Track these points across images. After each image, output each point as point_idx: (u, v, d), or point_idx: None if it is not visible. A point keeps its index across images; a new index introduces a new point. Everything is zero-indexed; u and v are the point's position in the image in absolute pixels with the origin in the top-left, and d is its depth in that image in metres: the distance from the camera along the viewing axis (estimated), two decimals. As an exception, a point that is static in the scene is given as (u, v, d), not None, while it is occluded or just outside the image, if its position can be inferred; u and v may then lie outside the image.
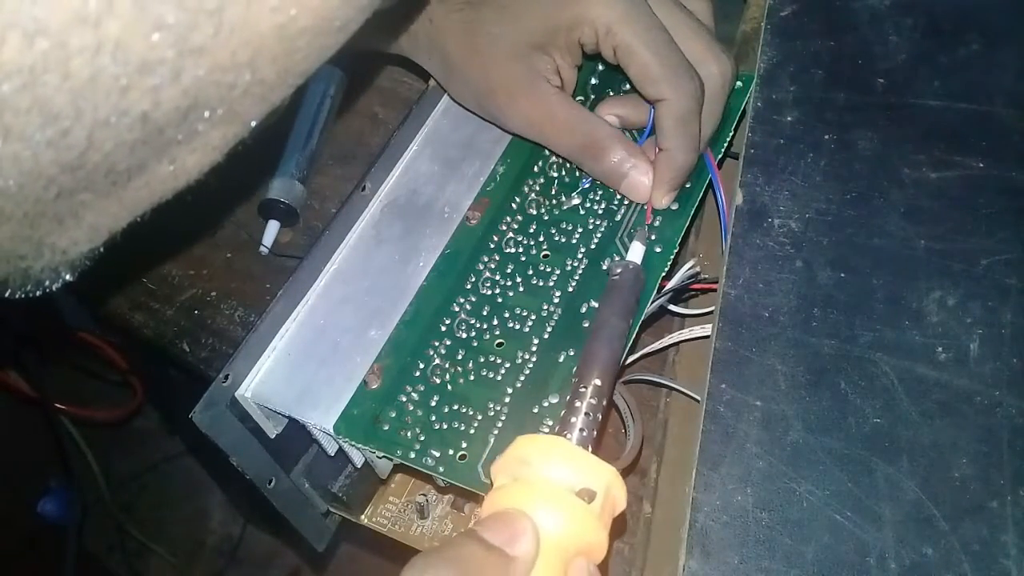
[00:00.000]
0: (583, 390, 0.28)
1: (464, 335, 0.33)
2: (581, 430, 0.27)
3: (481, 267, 0.35)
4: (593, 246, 0.35)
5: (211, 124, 0.18)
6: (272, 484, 0.34)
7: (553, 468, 0.24)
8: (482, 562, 0.22)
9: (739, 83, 0.38)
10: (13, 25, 0.14)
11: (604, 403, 0.28)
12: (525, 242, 0.35)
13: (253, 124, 0.20)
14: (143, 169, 0.18)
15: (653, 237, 0.34)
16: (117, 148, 0.17)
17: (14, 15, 0.14)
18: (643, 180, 0.35)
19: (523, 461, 0.25)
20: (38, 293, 0.20)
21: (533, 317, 0.33)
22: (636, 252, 0.33)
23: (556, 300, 0.33)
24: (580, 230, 0.35)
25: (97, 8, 0.14)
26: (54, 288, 0.20)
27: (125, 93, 0.16)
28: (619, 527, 0.25)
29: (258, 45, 0.17)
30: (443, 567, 0.22)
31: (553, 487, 0.24)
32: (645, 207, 0.35)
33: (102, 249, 0.20)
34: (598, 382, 0.28)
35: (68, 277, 0.20)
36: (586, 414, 0.27)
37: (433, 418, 0.31)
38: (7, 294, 0.20)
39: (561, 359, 0.32)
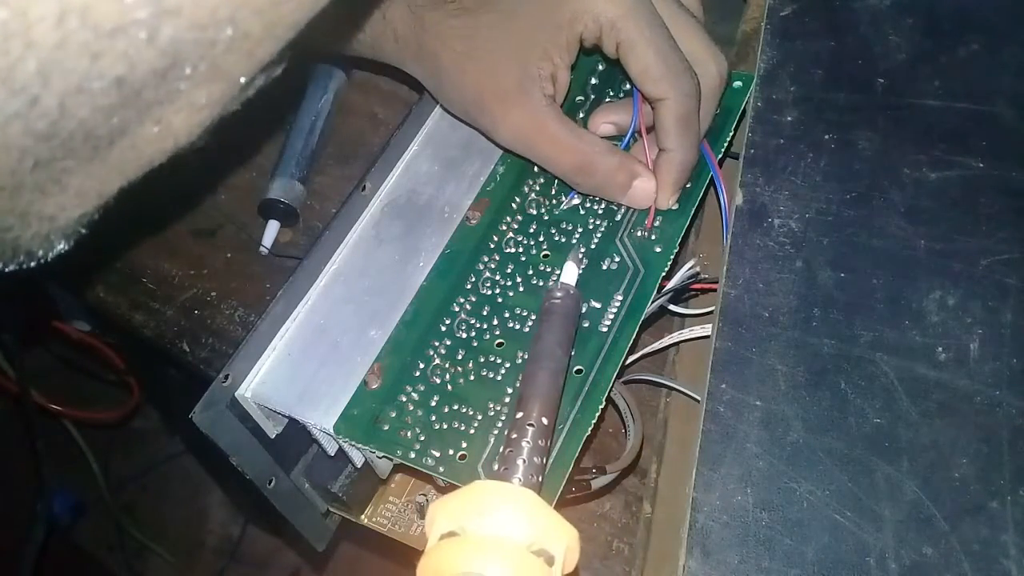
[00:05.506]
0: (531, 427, 0.26)
1: (464, 335, 0.33)
2: (529, 474, 0.25)
3: (481, 267, 0.35)
4: (593, 246, 0.35)
5: (194, 83, 0.17)
6: (272, 484, 0.34)
7: (515, 524, 0.22)
8: None
9: (739, 83, 0.38)
10: None
11: (548, 444, 0.26)
12: (525, 242, 0.35)
13: (243, 80, 0.19)
14: (125, 132, 0.18)
15: (653, 237, 0.34)
16: (93, 114, 0.16)
17: None
18: (646, 187, 0.34)
19: (480, 511, 0.22)
20: (32, 264, 0.19)
21: (533, 317, 0.33)
22: (570, 274, 0.30)
23: (556, 300, 0.33)
24: (580, 230, 0.35)
25: None
26: (49, 257, 0.19)
27: (97, 58, 0.15)
28: None
29: None
30: None
31: (513, 546, 0.22)
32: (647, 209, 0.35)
33: (97, 216, 0.20)
34: (544, 421, 0.26)
35: (62, 245, 0.19)
36: (531, 455, 0.25)
37: (433, 418, 0.31)
38: (1, 268, 0.19)
39: (561, 359, 0.32)
